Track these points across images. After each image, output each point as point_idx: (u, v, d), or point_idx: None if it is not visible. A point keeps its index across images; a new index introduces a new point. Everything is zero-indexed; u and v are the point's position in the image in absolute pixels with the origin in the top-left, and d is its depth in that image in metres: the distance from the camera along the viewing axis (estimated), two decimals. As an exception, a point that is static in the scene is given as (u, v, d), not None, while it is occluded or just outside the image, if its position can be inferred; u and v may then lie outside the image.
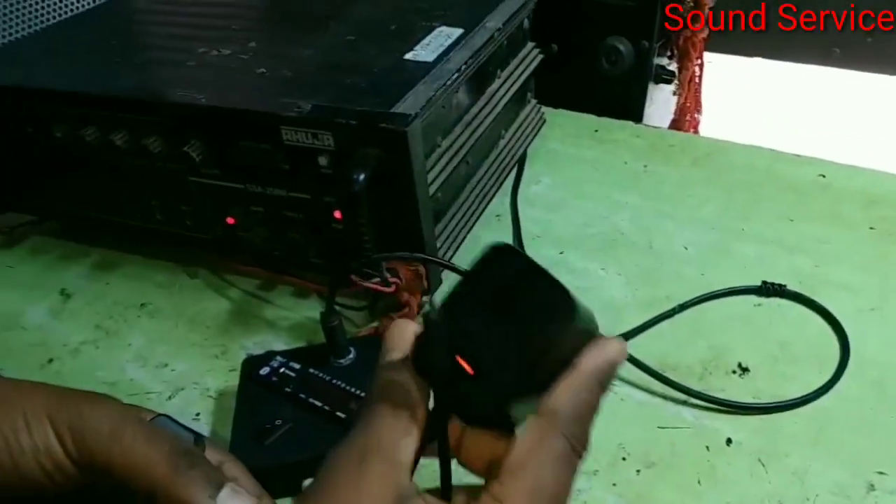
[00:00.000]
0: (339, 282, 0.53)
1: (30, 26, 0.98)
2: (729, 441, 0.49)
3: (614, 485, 0.47)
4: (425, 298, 0.63)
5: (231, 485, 0.31)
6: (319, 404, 0.50)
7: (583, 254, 0.67)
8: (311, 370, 0.53)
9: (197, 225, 0.67)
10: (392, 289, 0.58)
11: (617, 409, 0.52)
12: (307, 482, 0.45)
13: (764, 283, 0.60)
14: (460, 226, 0.67)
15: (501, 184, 0.76)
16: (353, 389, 0.51)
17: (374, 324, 0.60)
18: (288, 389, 0.51)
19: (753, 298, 0.60)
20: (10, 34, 0.96)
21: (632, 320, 0.59)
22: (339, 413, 0.49)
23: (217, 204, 0.64)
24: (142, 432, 0.29)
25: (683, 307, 0.59)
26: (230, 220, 0.64)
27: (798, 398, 0.51)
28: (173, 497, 0.29)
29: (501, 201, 0.75)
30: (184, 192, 0.65)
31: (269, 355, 0.55)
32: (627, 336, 0.57)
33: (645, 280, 0.63)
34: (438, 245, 0.63)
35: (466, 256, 0.66)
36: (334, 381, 0.52)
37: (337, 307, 0.63)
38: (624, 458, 0.49)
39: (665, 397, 0.53)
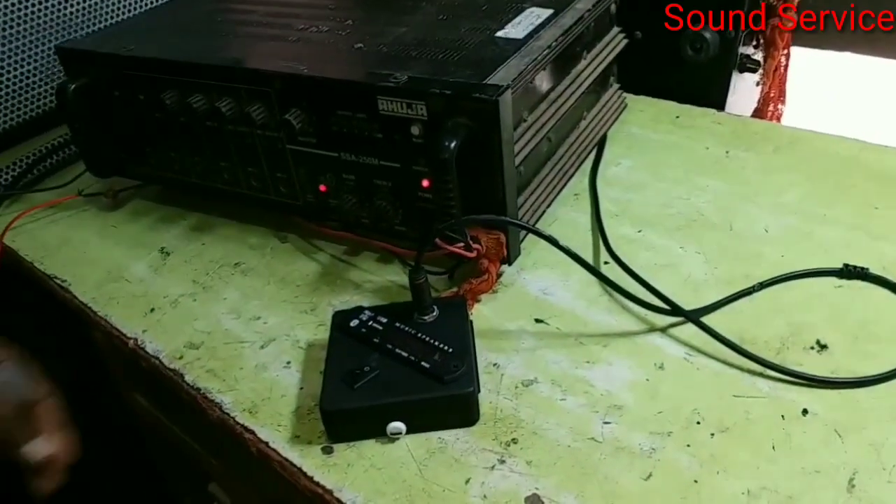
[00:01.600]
0: (428, 242, 0.56)
1: (141, 6, 1.04)
2: (805, 412, 0.50)
3: (688, 446, 0.48)
4: (504, 267, 0.65)
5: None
6: (405, 354, 0.53)
7: (661, 233, 0.68)
8: (398, 324, 0.56)
9: (290, 191, 0.70)
10: (473, 254, 0.61)
11: (692, 376, 0.53)
12: (392, 424, 0.48)
13: (845, 265, 0.59)
14: (540, 200, 0.69)
15: (581, 164, 0.78)
16: (435, 342, 0.53)
17: (454, 289, 0.63)
18: (376, 340, 0.54)
19: (834, 281, 0.60)
20: (123, 13, 1.02)
21: (710, 296, 0.60)
22: (423, 363, 0.52)
23: (311, 171, 0.68)
24: None
25: (763, 285, 0.59)
26: (322, 188, 0.68)
27: (878, 374, 0.51)
28: None
29: (580, 181, 0.77)
30: (280, 159, 0.69)
31: (359, 309, 0.58)
32: (706, 311, 0.58)
33: (724, 259, 0.64)
34: (519, 217, 0.65)
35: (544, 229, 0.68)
36: (419, 334, 0.54)
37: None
38: (698, 423, 0.50)
39: (741, 369, 0.53)
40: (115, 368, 0.84)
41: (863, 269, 0.59)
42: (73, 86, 0.73)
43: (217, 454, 0.72)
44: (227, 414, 0.56)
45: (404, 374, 0.52)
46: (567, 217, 0.73)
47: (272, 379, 0.58)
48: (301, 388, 0.57)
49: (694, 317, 0.57)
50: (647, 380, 0.54)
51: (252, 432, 0.54)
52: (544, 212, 0.70)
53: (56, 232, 0.80)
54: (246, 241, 0.75)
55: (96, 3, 1.00)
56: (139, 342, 0.64)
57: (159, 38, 0.75)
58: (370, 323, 0.56)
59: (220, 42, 0.73)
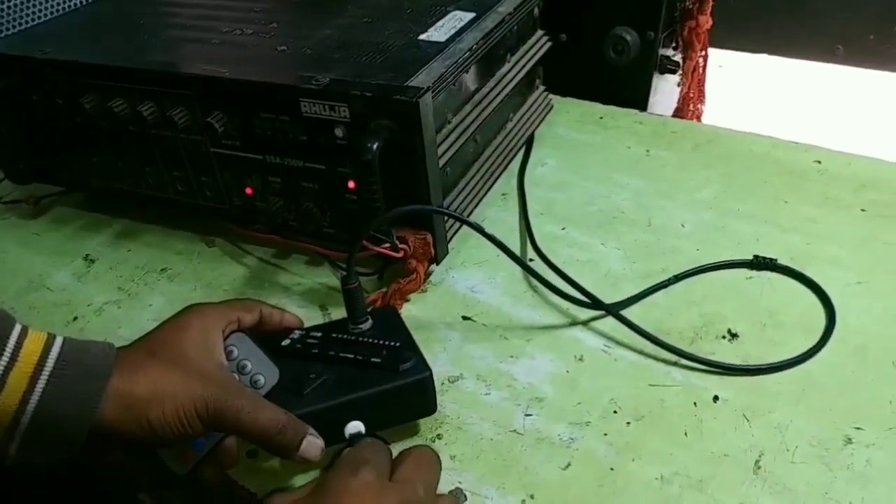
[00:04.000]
0: (357, 245, 0.53)
1: (60, 9, 1.02)
2: (716, 398, 0.52)
3: (605, 434, 0.50)
4: (433, 266, 0.66)
5: (308, 436, 0.44)
6: (351, 356, 0.50)
7: (584, 230, 0.70)
8: (335, 335, 0.53)
9: (216, 195, 0.70)
10: (400, 254, 0.61)
11: (610, 367, 0.55)
12: (351, 424, 0.47)
13: (756, 256, 0.62)
14: (467, 201, 0.70)
15: (507, 165, 0.79)
16: (379, 342, 0.51)
17: (383, 289, 0.64)
18: (315, 351, 0.51)
19: (745, 272, 0.63)
20: (42, 16, 0.99)
21: (629, 290, 0.62)
22: (373, 359, 0.49)
23: (236, 174, 0.67)
24: (252, 409, 0.43)
25: (678, 278, 0.62)
26: (248, 191, 0.68)
27: (784, 360, 0.54)
28: (274, 448, 0.43)
29: (507, 181, 0.78)
30: (205, 163, 0.68)
31: (287, 331, 0.54)
32: (625, 304, 0.60)
33: (642, 254, 0.66)
34: (445, 218, 0.66)
35: (473, 232, 0.69)
36: (360, 338, 0.52)
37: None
38: (615, 412, 0.52)
39: (656, 359, 0.55)
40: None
41: (771, 259, 0.62)
42: (-12, 90, 0.71)
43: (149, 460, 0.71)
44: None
45: (355, 374, 0.49)
46: (495, 217, 0.74)
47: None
48: (228, 393, 0.57)
49: (613, 310, 0.59)
50: (567, 372, 0.55)
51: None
52: (472, 212, 0.72)
53: (-27, 241, 0.78)
54: (172, 247, 0.74)
55: (15, 5, 0.97)
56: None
57: (78, 40, 0.74)
58: (304, 339, 0.53)
59: (142, 45, 0.72)
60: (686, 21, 0.87)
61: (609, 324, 0.59)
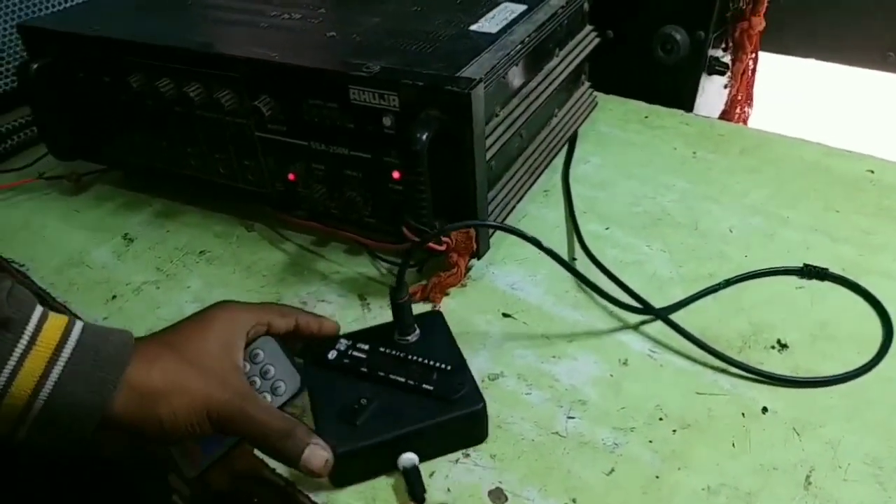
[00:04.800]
0: (407, 262, 0.51)
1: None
2: (765, 409, 0.51)
3: (650, 441, 0.49)
4: (473, 261, 0.65)
5: (312, 445, 0.43)
6: (402, 379, 0.49)
7: (628, 230, 0.69)
8: (382, 349, 0.51)
9: (258, 180, 0.70)
10: (443, 248, 0.61)
11: (656, 373, 0.54)
12: (404, 457, 0.46)
13: (805, 265, 0.61)
14: (510, 196, 0.69)
15: (551, 161, 0.78)
16: (429, 362, 0.50)
17: (423, 282, 0.63)
18: (364, 369, 0.50)
19: (795, 280, 0.61)
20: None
21: (675, 294, 0.60)
22: (424, 385, 0.48)
23: (280, 160, 0.67)
24: (259, 416, 0.43)
25: (729, 283, 0.60)
26: (291, 177, 0.67)
27: (838, 374, 0.52)
28: (279, 451, 0.43)
29: (550, 178, 0.77)
30: (249, 147, 0.68)
31: (333, 340, 0.52)
32: (672, 309, 0.59)
33: (689, 258, 0.65)
34: (489, 211, 0.65)
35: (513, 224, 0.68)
36: (409, 356, 0.50)
37: (387, 264, 0.66)
38: (661, 419, 0.50)
39: (704, 366, 0.54)
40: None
41: (823, 269, 0.60)
42: (36, 65, 0.71)
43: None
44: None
45: (406, 401, 0.48)
46: (537, 213, 0.73)
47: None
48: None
49: (663, 314, 0.57)
50: (612, 375, 0.54)
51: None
52: (514, 207, 0.71)
53: (15, 215, 0.78)
54: (211, 229, 0.74)
55: (61, -18, 0.97)
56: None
57: (127, 19, 0.74)
58: (350, 352, 0.51)
59: (190, 26, 0.72)
60: (738, 22, 0.86)
61: (655, 328, 0.58)
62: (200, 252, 0.71)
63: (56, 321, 0.41)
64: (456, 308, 0.62)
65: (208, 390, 0.42)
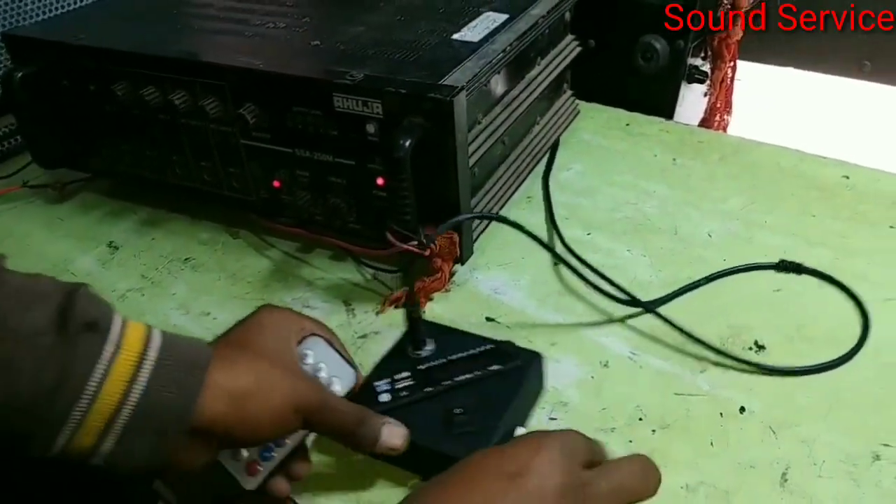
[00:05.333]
0: (412, 278, 0.53)
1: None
2: (742, 409, 0.51)
3: (630, 441, 0.50)
4: (457, 266, 0.66)
5: (387, 424, 0.43)
6: (470, 375, 0.50)
7: (610, 236, 0.70)
8: (419, 367, 0.51)
9: (243, 187, 0.70)
10: (427, 252, 0.61)
11: (635, 374, 0.55)
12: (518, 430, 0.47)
13: (782, 260, 0.63)
14: (493, 202, 0.70)
15: (534, 167, 0.79)
16: (472, 351, 0.52)
17: (405, 288, 0.63)
18: (429, 390, 0.50)
19: (773, 280, 0.62)
20: (76, 2, 1.00)
21: (655, 297, 0.61)
22: (489, 368, 0.50)
23: (265, 167, 0.67)
24: (336, 406, 0.43)
25: (709, 279, 0.62)
26: (276, 184, 0.68)
27: (815, 364, 0.54)
28: (357, 441, 0.43)
29: (532, 184, 0.78)
30: (234, 154, 0.68)
31: (367, 388, 0.51)
32: (651, 306, 0.60)
33: (669, 262, 0.66)
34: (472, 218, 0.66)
35: (498, 234, 0.69)
36: (449, 357, 0.52)
37: (371, 270, 0.67)
38: (640, 419, 0.51)
39: (683, 368, 0.55)
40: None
41: (798, 263, 0.62)
42: (20, 74, 0.71)
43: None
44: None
45: (487, 390, 0.49)
46: (520, 219, 0.73)
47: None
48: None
49: (651, 307, 0.59)
50: (593, 377, 0.55)
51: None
52: (497, 212, 0.71)
53: (-2, 223, 0.78)
54: (197, 237, 0.74)
55: (46, -9, 0.98)
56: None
57: (111, 27, 0.74)
58: (397, 386, 0.50)
59: (175, 34, 0.72)
60: (716, 32, 0.87)
61: (635, 330, 0.59)
62: (185, 259, 0.71)
63: (136, 325, 0.39)
64: (440, 313, 0.62)
65: (293, 385, 0.42)
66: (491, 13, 0.71)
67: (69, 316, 0.36)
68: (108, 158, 0.76)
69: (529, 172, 0.78)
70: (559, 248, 0.68)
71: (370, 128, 0.60)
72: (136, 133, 0.72)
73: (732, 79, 0.92)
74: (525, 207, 0.76)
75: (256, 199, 0.70)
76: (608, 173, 0.80)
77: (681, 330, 0.57)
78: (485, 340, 0.53)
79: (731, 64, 0.90)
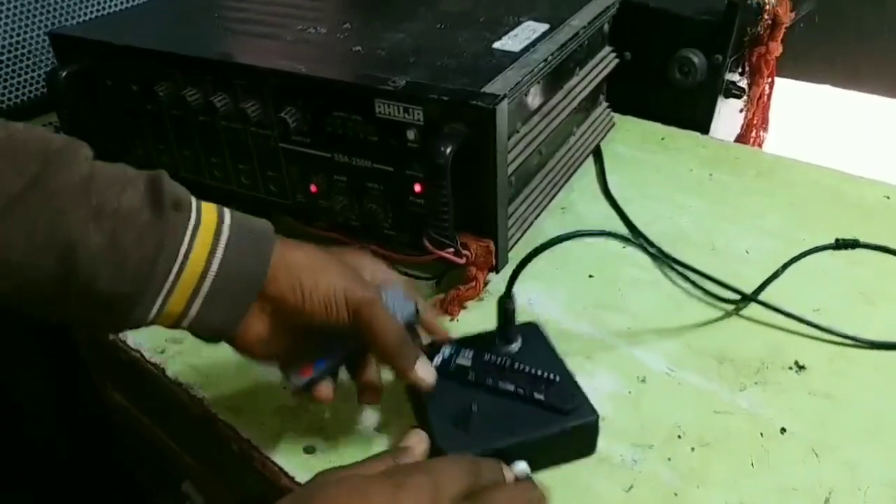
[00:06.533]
0: (521, 269, 0.52)
1: (133, -3, 1.04)
2: (783, 430, 0.51)
3: (669, 459, 0.49)
4: (491, 275, 0.65)
5: (423, 357, 0.46)
6: (511, 388, 0.49)
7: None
8: (486, 356, 0.51)
9: (280, 190, 0.70)
10: (462, 260, 0.61)
11: (673, 390, 0.54)
12: (518, 467, 0.45)
13: (838, 239, 0.64)
14: (528, 212, 0.70)
15: (569, 178, 0.79)
16: (537, 372, 0.50)
17: (441, 295, 0.63)
18: (471, 378, 0.50)
19: (815, 300, 0.61)
20: (120, 3, 1.02)
21: (692, 314, 0.61)
22: (535, 394, 0.48)
23: (303, 171, 0.68)
24: (386, 316, 0.45)
25: (746, 298, 0.61)
26: (313, 188, 0.68)
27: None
28: (395, 355, 0.45)
29: (567, 195, 0.78)
30: (272, 158, 0.68)
31: (437, 346, 0.52)
32: (687, 329, 0.59)
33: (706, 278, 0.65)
34: (508, 226, 0.65)
35: (531, 244, 0.69)
36: (515, 365, 0.50)
37: (406, 276, 0.67)
38: (679, 437, 0.51)
39: (722, 384, 0.54)
40: (91, 361, 0.83)
41: (854, 241, 0.63)
42: (65, 72, 0.72)
43: (193, 452, 0.71)
44: (209, 410, 0.56)
45: (517, 410, 0.48)
46: (553, 231, 0.74)
47: (256, 377, 0.58)
48: (284, 388, 0.57)
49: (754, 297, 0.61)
50: (630, 392, 0.54)
51: (234, 430, 0.54)
52: (532, 223, 0.71)
53: (36, 219, 0.79)
54: (231, 238, 0.74)
55: (88, -8, 0.99)
56: (120, 335, 0.63)
57: (155, 29, 0.75)
58: (455, 359, 0.51)
59: (217, 37, 0.73)
60: (755, 47, 0.86)
61: (671, 347, 0.58)
62: (220, 260, 0.72)
63: (209, 205, 0.44)
64: (473, 321, 0.62)
65: (350, 276, 0.45)
66: (531, 23, 0.71)
67: (158, 197, 0.41)
68: (145, 158, 0.77)
69: (565, 183, 0.78)
70: (589, 267, 0.68)
71: (410, 134, 0.60)
72: (176, 134, 0.73)
73: (770, 95, 0.91)
74: (559, 218, 0.75)
75: (292, 203, 0.70)
76: (643, 186, 0.79)
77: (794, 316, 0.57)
78: (564, 373, 0.50)
79: (770, 80, 0.89)
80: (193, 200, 0.43)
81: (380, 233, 0.67)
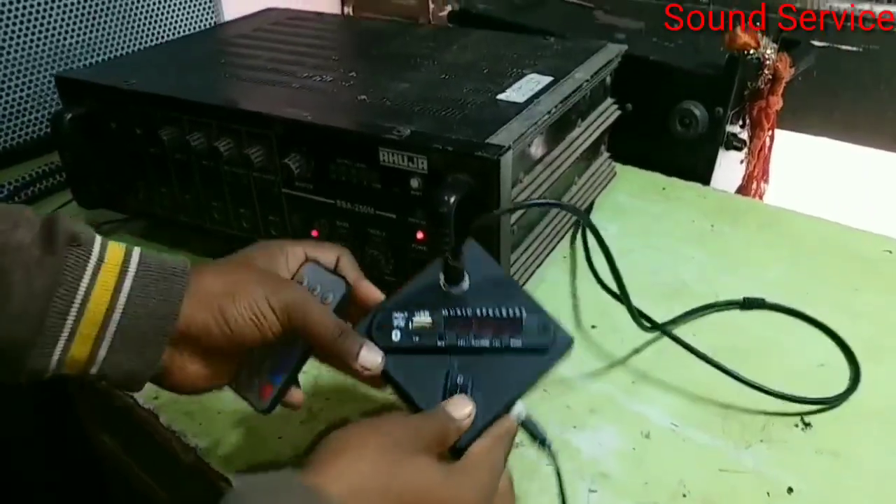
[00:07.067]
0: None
1: (143, 42, 1.05)
2: (790, 490, 0.50)
3: (675, 518, 0.48)
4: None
5: (366, 345, 0.44)
6: (487, 344, 0.45)
7: (647, 300, 0.68)
8: (444, 312, 0.46)
9: (281, 235, 0.70)
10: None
11: (678, 447, 0.53)
12: (515, 410, 0.44)
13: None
14: (531, 260, 0.70)
15: (570, 228, 0.78)
16: (501, 312, 0.46)
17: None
18: (441, 344, 0.45)
19: (820, 356, 0.61)
20: (127, 49, 1.03)
21: (696, 368, 0.60)
22: (512, 342, 0.45)
23: (305, 216, 0.68)
24: (320, 310, 0.44)
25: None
26: (314, 233, 0.68)
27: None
28: (335, 349, 0.43)
29: (569, 244, 0.78)
30: (275, 203, 0.68)
31: (385, 315, 0.46)
32: (691, 383, 0.58)
33: (709, 330, 0.64)
34: (511, 274, 0.65)
35: (532, 291, 0.68)
36: (478, 310, 0.46)
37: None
38: (684, 495, 0.49)
39: (727, 442, 0.53)
40: (83, 405, 0.82)
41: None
42: (70, 115, 0.73)
43: (184, 500, 0.70)
44: (202, 459, 0.54)
45: (501, 364, 0.44)
46: (555, 278, 0.73)
47: (250, 425, 0.57)
48: (280, 438, 0.56)
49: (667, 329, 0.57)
50: (634, 448, 0.53)
51: (227, 480, 0.53)
52: (534, 272, 0.71)
53: (35, 260, 0.78)
54: (231, 283, 0.74)
55: (95, 37, 1.01)
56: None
57: (161, 74, 0.76)
58: (412, 326, 0.46)
59: (223, 83, 0.73)
60: (756, 100, 0.87)
61: (676, 401, 0.57)
62: (219, 305, 0.71)
63: (115, 243, 0.42)
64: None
65: (274, 285, 0.44)
66: (535, 75, 0.72)
67: (54, 232, 0.39)
68: (146, 200, 0.77)
69: (567, 232, 0.78)
70: (591, 316, 0.67)
71: (414, 182, 0.60)
72: (177, 177, 0.73)
73: (770, 147, 0.92)
74: (561, 265, 0.75)
75: (293, 248, 0.70)
76: (645, 236, 0.79)
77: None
78: (523, 300, 0.47)
79: (770, 133, 0.90)
80: (97, 238, 0.41)
81: (381, 278, 0.66)
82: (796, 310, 0.66)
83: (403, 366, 0.45)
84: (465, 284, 0.47)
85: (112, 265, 0.40)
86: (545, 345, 0.45)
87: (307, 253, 0.49)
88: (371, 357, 0.44)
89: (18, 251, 0.38)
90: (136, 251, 0.42)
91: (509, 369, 0.44)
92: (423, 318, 0.46)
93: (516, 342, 0.45)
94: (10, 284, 0.37)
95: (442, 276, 0.47)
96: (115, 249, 0.41)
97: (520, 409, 0.44)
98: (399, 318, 0.46)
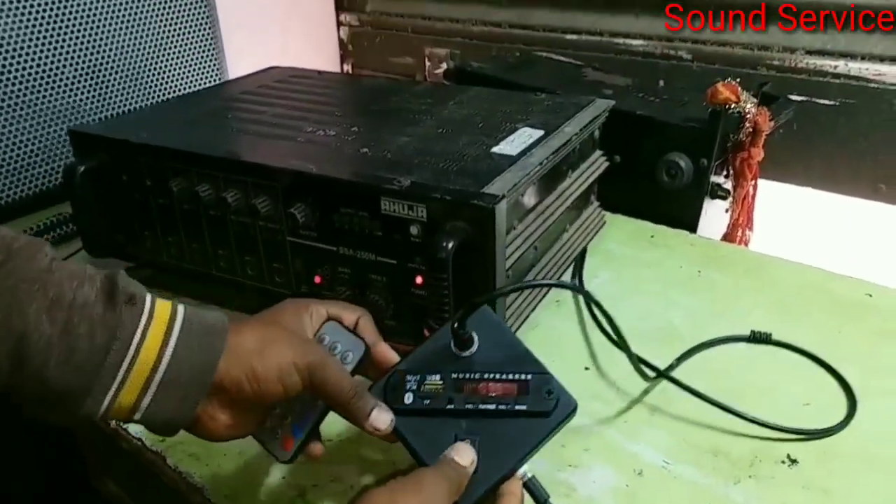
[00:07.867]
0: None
1: (151, 98, 1.09)
2: (778, 524, 0.51)
3: (667, 552, 0.49)
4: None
5: (378, 407, 0.48)
6: (493, 407, 0.47)
7: (638, 345, 0.70)
8: (454, 374, 0.49)
9: (285, 281, 0.73)
10: (463, 353, 0.63)
11: (669, 484, 0.55)
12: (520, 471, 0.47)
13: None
14: (524, 305, 0.72)
15: (563, 273, 0.81)
16: (508, 376, 0.48)
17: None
18: (450, 406, 0.48)
19: (804, 397, 0.63)
20: (137, 104, 1.07)
21: (686, 406, 0.62)
22: (517, 406, 0.47)
23: (308, 263, 0.70)
24: (337, 371, 0.48)
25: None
26: (317, 279, 0.70)
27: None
28: (349, 410, 0.47)
29: (560, 290, 0.80)
30: (279, 250, 0.71)
31: (397, 378, 0.50)
32: (682, 421, 0.60)
33: (697, 374, 0.67)
34: (506, 318, 0.68)
35: (525, 335, 0.71)
36: (485, 375, 0.49)
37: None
38: (676, 530, 0.51)
39: (716, 477, 0.55)
40: (89, 451, 0.83)
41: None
42: (83, 167, 0.76)
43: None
44: (209, 500, 0.56)
45: (507, 427, 0.47)
46: (548, 323, 0.76)
47: (256, 466, 0.58)
48: (283, 478, 0.57)
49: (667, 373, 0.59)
50: (627, 486, 0.55)
51: (233, 520, 0.54)
52: (528, 316, 0.73)
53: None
54: (235, 328, 0.76)
55: (104, 92, 1.05)
56: (121, 423, 0.64)
57: (171, 128, 0.79)
58: (424, 389, 0.49)
59: (230, 137, 0.77)
60: (738, 152, 0.92)
61: (666, 439, 0.59)
62: (223, 350, 0.73)
63: (163, 301, 0.46)
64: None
65: (298, 345, 0.48)
66: (527, 129, 0.76)
67: (113, 291, 0.43)
68: (153, 248, 0.80)
69: (559, 278, 0.81)
70: (587, 358, 0.69)
71: (414, 229, 0.63)
72: (185, 226, 0.76)
73: (754, 196, 0.95)
74: (554, 310, 0.78)
75: (296, 293, 0.73)
76: (635, 282, 0.82)
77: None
78: (530, 364, 0.49)
79: (753, 182, 0.94)
80: (148, 296, 0.45)
81: (381, 323, 0.69)
82: (799, 347, 0.69)
83: (414, 427, 0.48)
84: (475, 347, 0.50)
85: (160, 322, 0.44)
86: (549, 409, 0.47)
87: (329, 312, 0.53)
88: (381, 419, 0.47)
89: (84, 308, 0.42)
90: (181, 309, 0.46)
91: (515, 432, 0.47)
92: (433, 383, 0.49)
93: (521, 406, 0.47)
94: (77, 338, 0.42)
95: (454, 341, 0.51)
96: (163, 306, 0.45)
97: (524, 469, 0.47)
98: (411, 381, 0.50)
